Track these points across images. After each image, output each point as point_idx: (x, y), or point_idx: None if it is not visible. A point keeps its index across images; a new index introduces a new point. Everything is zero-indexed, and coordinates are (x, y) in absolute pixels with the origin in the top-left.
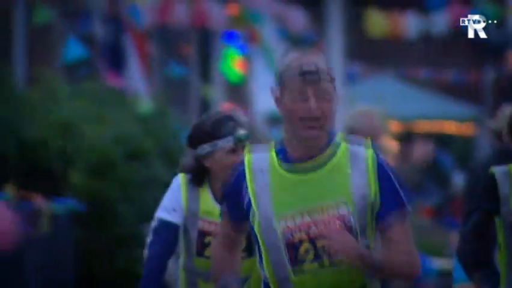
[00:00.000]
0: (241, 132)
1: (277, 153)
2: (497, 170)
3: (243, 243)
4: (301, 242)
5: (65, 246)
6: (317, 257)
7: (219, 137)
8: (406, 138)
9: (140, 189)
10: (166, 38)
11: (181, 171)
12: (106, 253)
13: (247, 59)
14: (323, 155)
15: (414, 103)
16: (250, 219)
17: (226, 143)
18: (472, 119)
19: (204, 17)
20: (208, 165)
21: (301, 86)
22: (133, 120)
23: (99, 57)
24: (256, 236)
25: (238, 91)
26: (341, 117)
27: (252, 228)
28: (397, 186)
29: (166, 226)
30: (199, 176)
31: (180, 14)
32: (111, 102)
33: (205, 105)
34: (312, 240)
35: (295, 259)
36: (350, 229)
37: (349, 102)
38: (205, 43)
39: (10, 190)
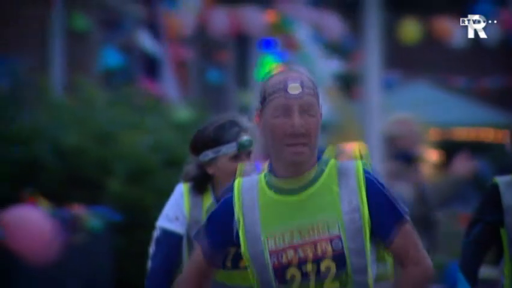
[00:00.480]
0: (245, 137)
1: (267, 174)
2: (501, 180)
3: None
4: (288, 265)
5: (103, 254)
6: (304, 279)
7: (222, 143)
8: (445, 146)
9: None
10: (204, 44)
11: (185, 179)
12: (143, 260)
13: (285, 66)
14: (309, 174)
15: (452, 110)
16: (241, 246)
17: (229, 149)
18: (510, 126)
19: (243, 23)
20: (212, 172)
21: (285, 101)
22: (170, 127)
23: (136, 64)
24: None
25: None
26: (379, 124)
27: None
28: (390, 199)
29: (168, 236)
30: (201, 183)
31: (219, 21)
32: (148, 109)
33: (242, 112)
34: (299, 265)
35: (283, 280)
36: (338, 253)
37: (387, 109)
38: (243, 50)
39: (45, 200)
